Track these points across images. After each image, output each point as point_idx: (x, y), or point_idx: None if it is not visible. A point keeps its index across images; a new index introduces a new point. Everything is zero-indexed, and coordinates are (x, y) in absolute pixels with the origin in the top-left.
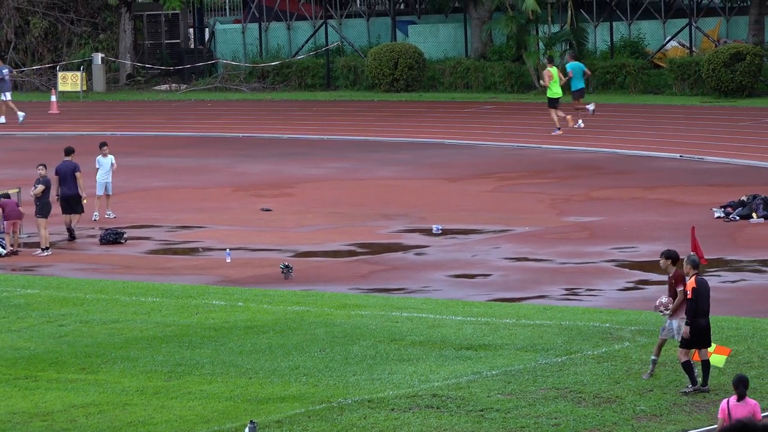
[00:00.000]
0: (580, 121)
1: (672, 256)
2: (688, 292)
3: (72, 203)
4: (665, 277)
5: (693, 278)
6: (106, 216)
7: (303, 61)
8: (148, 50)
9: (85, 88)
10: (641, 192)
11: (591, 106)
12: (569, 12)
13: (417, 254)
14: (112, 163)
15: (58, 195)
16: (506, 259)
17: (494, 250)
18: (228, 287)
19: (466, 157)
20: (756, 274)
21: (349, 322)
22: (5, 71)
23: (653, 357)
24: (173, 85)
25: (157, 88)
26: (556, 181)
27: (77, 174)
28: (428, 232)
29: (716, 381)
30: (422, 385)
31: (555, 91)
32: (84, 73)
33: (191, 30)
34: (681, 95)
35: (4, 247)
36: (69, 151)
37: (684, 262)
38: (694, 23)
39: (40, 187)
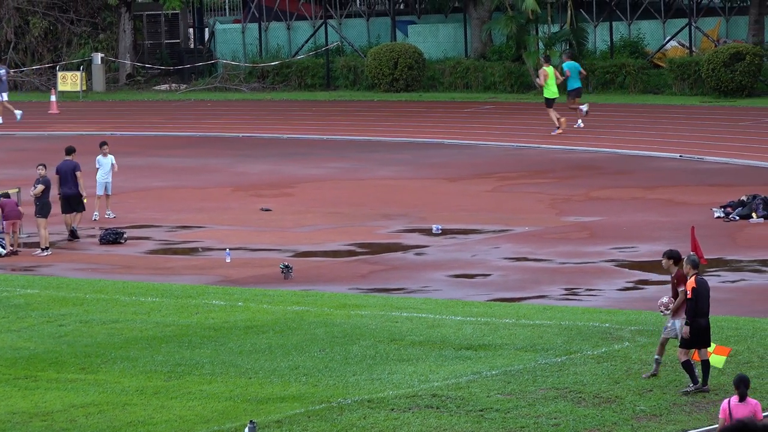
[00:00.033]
0: (579, 121)
1: (674, 256)
2: (688, 292)
3: (72, 202)
4: (665, 277)
5: (693, 278)
6: (106, 216)
7: (303, 61)
8: (147, 50)
9: (84, 88)
10: (641, 192)
11: (584, 107)
12: (569, 12)
13: (417, 254)
14: (112, 164)
15: (60, 194)
16: (506, 259)
17: (494, 250)
18: (228, 287)
19: (465, 157)
20: (756, 274)
21: (349, 322)
22: (2, 72)
23: (657, 357)
24: (173, 85)
25: (156, 88)
26: (555, 181)
27: (78, 173)
28: (428, 232)
29: (716, 381)
30: (422, 385)
31: (552, 90)
32: (84, 73)
33: (191, 30)
34: (681, 95)
35: (4, 247)
36: (70, 151)
37: (684, 262)
38: (693, 23)
39: (40, 187)
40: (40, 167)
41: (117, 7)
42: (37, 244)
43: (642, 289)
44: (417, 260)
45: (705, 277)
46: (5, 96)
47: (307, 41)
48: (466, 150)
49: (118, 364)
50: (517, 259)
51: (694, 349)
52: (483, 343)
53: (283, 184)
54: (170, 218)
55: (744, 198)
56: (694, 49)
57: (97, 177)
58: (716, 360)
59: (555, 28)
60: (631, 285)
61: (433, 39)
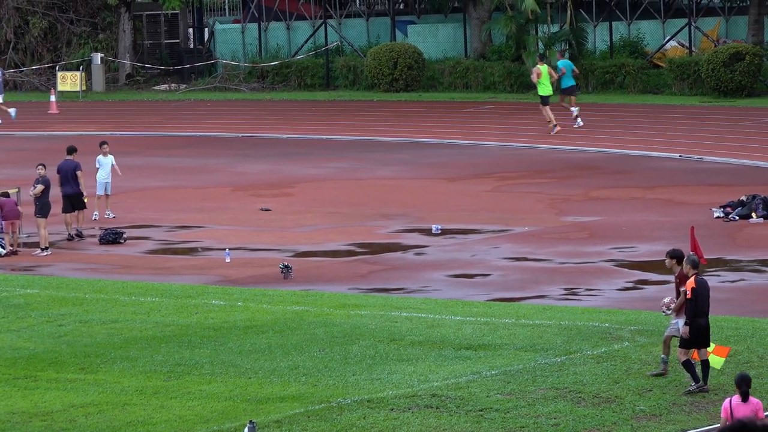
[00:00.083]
0: (579, 120)
1: (677, 256)
2: (688, 292)
3: (74, 202)
4: (665, 277)
5: (693, 278)
6: (106, 216)
7: (302, 61)
8: (147, 50)
9: (84, 87)
10: (641, 192)
11: (575, 110)
12: (568, 12)
13: (416, 254)
14: (113, 164)
15: (61, 193)
16: (505, 258)
17: (493, 250)
18: (227, 287)
19: (465, 157)
20: (755, 273)
21: (349, 321)
22: None
23: (663, 356)
24: (173, 85)
25: (156, 88)
26: (555, 181)
27: (78, 173)
28: (427, 231)
29: (716, 381)
30: (421, 385)
31: (547, 88)
32: (83, 73)
33: (191, 30)
34: (680, 95)
35: (3, 247)
36: (71, 150)
37: (684, 262)
38: (693, 23)
39: (40, 187)
40: (40, 167)
41: (117, 7)
42: (36, 244)
43: (641, 289)
44: (416, 260)
45: (705, 277)
46: (0, 98)
47: (306, 41)
48: (465, 150)
49: (117, 364)
50: (517, 259)
51: (693, 349)
52: (483, 343)
53: (282, 184)
54: (170, 218)
55: (743, 198)
56: (693, 49)
57: (97, 177)
58: (714, 361)
59: (555, 28)
60: (630, 285)
61: (432, 39)
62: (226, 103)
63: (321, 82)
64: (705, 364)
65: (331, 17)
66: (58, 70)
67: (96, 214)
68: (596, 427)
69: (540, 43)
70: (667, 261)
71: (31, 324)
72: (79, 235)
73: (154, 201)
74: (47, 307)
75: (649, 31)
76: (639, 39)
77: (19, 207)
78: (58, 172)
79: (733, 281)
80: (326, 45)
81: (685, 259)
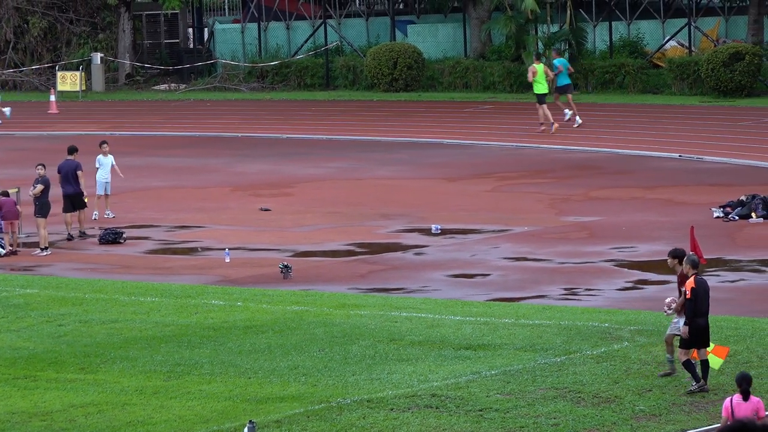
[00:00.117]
0: (577, 118)
1: (679, 255)
2: (687, 292)
3: (74, 202)
4: (665, 277)
5: (692, 278)
6: (105, 216)
7: (302, 61)
8: (147, 50)
9: (84, 87)
10: (640, 192)
11: (568, 113)
12: (568, 12)
13: (416, 254)
14: (113, 164)
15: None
16: (505, 258)
17: (493, 250)
18: (227, 287)
19: (465, 156)
20: (755, 273)
21: (348, 321)
22: None
23: (668, 356)
24: (172, 84)
25: (156, 87)
26: (555, 181)
27: (79, 173)
28: (427, 231)
29: (715, 381)
30: (421, 384)
31: (542, 87)
32: (83, 73)
33: (190, 30)
34: (680, 95)
35: (3, 247)
36: (72, 150)
37: (683, 262)
38: (693, 23)
39: (39, 187)
40: (39, 167)
41: (116, 6)
42: (36, 244)
43: (641, 289)
44: (416, 260)
45: (705, 277)
46: None
47: (306, 41)
48: (465, 150)
49: (117, 363)
50: (517, 259)
51: (693, 349)
52: (482, 342)
53: (282, 183)
54: (169, 218)
55: (743, 198)
56: (693, 48)
57: (97, 177)
58: (713, 361)
59: (554, 28)
60: (630, 285)
61: (432, 39)
62: (226, 103)
63: (321, 82)
64: (705, 364)
65: (330, 17)
66: (58, 70)
67: (96, 214)
68: (596, 427)
69: (540, 43)
70: (669, 260)
71: (31, 324)
72: (84, 235)
73: (153, 201)
74: (47, 307)
75: (648, 31)
76: (639, 39)
77: (18, 207)
78: (59, 171)
79: (732, 281)
80: (326, 45)
81: (684, 258)
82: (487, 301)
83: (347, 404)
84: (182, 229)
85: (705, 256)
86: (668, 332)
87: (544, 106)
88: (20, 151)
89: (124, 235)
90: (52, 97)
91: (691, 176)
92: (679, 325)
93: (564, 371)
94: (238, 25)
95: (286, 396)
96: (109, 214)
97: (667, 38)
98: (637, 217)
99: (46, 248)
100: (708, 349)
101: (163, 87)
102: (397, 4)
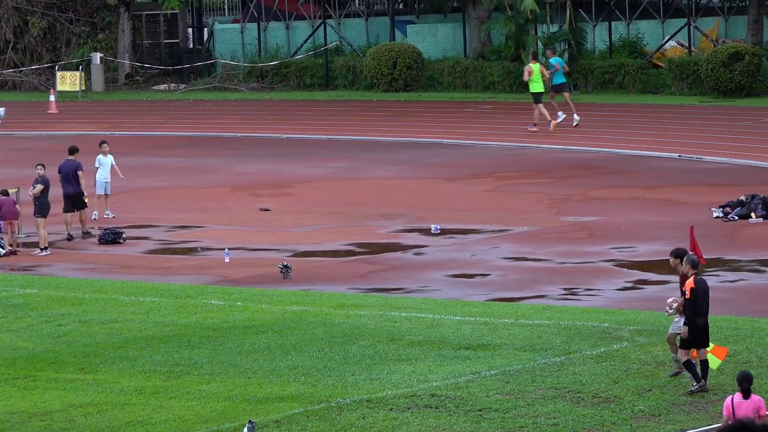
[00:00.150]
0: (575, 116)
1: (681, 255)
2: (687, 293)
3: (75, 202)
4: (664, 277)
5: (692, 278)
6: (105, 216)
7: (302, 61)
8: (146, 50)
9: (83, 87)
10: (640, 192)
11: (561, 116)
12: (568, 12)
13: (416, 254)
14: (112, 165)
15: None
16: (505, 258)
17: (493, 250)
18: (227, 287)
19: (464, 156)
20: (755, 273)
21: (348, 321)
22: None
23: (674, 356)
24: (172, 84)
25: (155, 87)
26: (554, 181)
27: (80, 173)
28: (427, 231)
29: (715, 381)
30: (421, 384)
31: (538, 86)
32: (83, 73)
33: (190, 30)
34: (680, 95)
35: (3, 247)
36: (73, 150)
37: (683, 262)
38: (692, 23)
39: (39, 187)
40: (39, 167)
41: (116, 6)
42: (36, 244)
43: (641, 288)
44: (416, 260)
45: (704, 277)
46: None
47: (306, 41)
48: (464, 150)
49: (117, 363)
50: (516, 259)
51: (693, 349)
52: (482, 342)
53: (282, 183)
54: (169, 218)
55: (743, 198)
56: (693, 48)
57: (97, 176)
58: (711, 361)
59: (554, 28)
60: (630, 285)
61: (432, 39)
62: (226, 103)
63: (320, 82)
64: (704, 363)
65: (330, 17)
66: (58, 70)
67: (95, 214)
68: (595, 427)
69: (539, 43)
70: (672, 260)
71: (31, 324)
72: (87, 234)
73: (153, 201)
74: (46, 306)
75: (648, 31)
76: (638, 39)
77: (17, 206)
78: (60, 172)
79: (732, 281)
80: (325, 45)
81: (684, 258)
82: (486, 301)
83: (347, 404)
84: (182, 229)
85: (705, 256)
86: (670, 332)
87: (540, 105)
88: (20, 151)
89: (124, 235)
90: (52, 97)
91: (691, 176)
92: (680, 324)
93: (563, 371)
94: (237, 25)
95: (286, 396)
96: (108, 214)
97: (667, 38)
98: (636, 217)
99: (45, 248)
100: (707, 349)
101: (162, 87)
102: (396, 4)
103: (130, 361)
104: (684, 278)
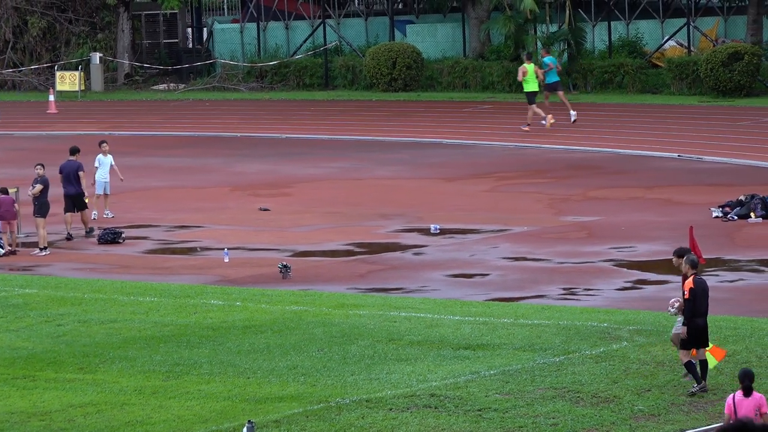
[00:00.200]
0: (572, 112)
1: (683, 254)
2: (685, 293)
3: (75, 202)
4: (664, 277)
5: (691, 278)
6: (104, 216)
7: (301, 61)
8: (146, 50)
9: (83, 87)
10: (639, 192)
11: (549, 119)
12: (567, 11)
13: (415, 254)
14: (112, 164)
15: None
16: (504, 258)
17: (492, 250)
18: (226, 287)
19: (463, 156)
20: (754, 273)
21: (347, 321)
22: None
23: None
24: (171, 84)
25: (155, 87)
26: (554, 181)
27: (81, 173)
28: (426, 231)
29: (714, 381)
30: (420, 384)
31: (532, 86)
32: (82, 73)
33: (189, 29)
34: (679, 95)
35: (2, 247)
36: (74, 151)
37: (683, 262)
38: (692, 23)
39: (38, 187)
40: (38, 167)
41: (115, 6)
42: (35, 244)
43: (640, 288)
44: (415, 260)
45: (704, 277)
46: None
47: (305, 41)
48: (464, 150)
49: (116, 363)
50: (516, 259)
51: (693, 348)
52: (481, 342)
53: (281, 183)
54: (168, 218)
55: (742, 198)
56: (692, 48)
57: (97, 176)
58: (709, 359)
59: (553, 28)
60: (629, 285)
61: (431, 39)
62: (225, 103)
63: (320, 82)
64: (703, 363)
65: (329, 17)
66: (57, 70)
67: (95, 214)
68: (595, 427)
69: (539, 43)
70: (675, 260)
71: (30, 324)
72: (91, 231)
73: (152, 201)
74: (46, 306)
75: (647, 31)
76: (638, 39)
77: (16, 206)
78: (61, 172)
79: (731, 281)
80: (325, 45)
81: (684, 258)
82: (486, 301)
83: (346, 404)
84: (181, 229)
85: (704, 256)
86: (673, 332)
87: (534, 105)
88: (19, 151)
89: (123, 235)
90: (51, 97)
91: (690, 176)
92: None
93: (563, 371)
94: (237, 25)
95: (285, 396)
96: (108, 214)
97: (666, 38)
98: (636, 217)
99: (45, 248)
100: (707, 348)
101: (162, 87)
102: (396, 4)
103: (129, 361)
104: (685, 278)
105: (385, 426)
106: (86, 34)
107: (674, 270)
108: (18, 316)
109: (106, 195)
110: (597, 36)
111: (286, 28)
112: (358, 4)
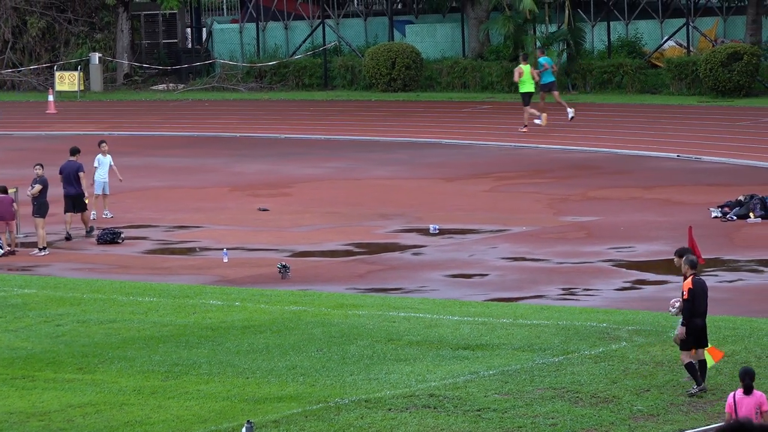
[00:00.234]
0: (569, 109)
1: (683, 254)
2: (684, 293)
3: (76, 203)
4: (663, 277)
5: (690, 279)
6: (104, 216)
7: (300, 61)
8: (145, 50)
9: (82, 87)
10: (639, 192)
11: (543, 118)
12: (566, 12)
13: (414, 254)
14: (111, 165)
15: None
16: (503, 258)
17: (491, 250)
18: (225, 287)
19: (463, 156)
20: (753, 273)
21: (347, 321)
22: None
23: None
24: (170, 84)
25: (154, 87)
26: (553, 181)
27: (81, 174)
28: (425, 231)
29: (713, 381)
30: (419, 384)
31: (528, 87)
32: (81, 73)
33: (188, 30)
34: (678, 95)
35: (1, 247)
36: (74, 151)
37: (682, 263)
38: (691, 23)
39: (38, 187)
40: (38, 167)
41: (114, 6)
42: (34, 244)
43: (639, 289)
44: (414, 260)
45: (703, 277)
46: None
47: (304, 41)
48: (463, 150)
49: (115, 363)
50: (515, 259)
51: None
52: (480, 342)
53: (280, 183)
54: (167, 218)
55: (741, 198)
56: (691, 48)
57: (96, 176)
58: (707, 358)
59: (552, 28)
60: (628, 285)
61: (430, 39)
62: (224, 103)
63: (319, 82)
64: (702, 363)
65: (329, 17)
66: (56, 70)
67: (94, 214)
68: (594, 427)
69: (538, 43)
70: (676, 260)
71: (29, 324)
72: (91, 230)
73: (152, 201)
74: (45, 307)
75: (647, 31)
76: (637, 39)
77: (15, 206)
78: (61, 172)
79: (730, 281)
80: (324, 45)
81: (683, 259)
82: (485, 301)
83: (345, 404)
84: (180, 229)
85: (703, 256)
86: (676, 333)
87: (528, 106)
88: (18, 151)
89: (122, 235)
90: (51, 97)
91: (690, 176)
92: None
93: (562, 371)
94: (236, 25)
95: (284, 396)
96: (107, 214)
97: (666, 38)
98: (635, 217)
99: (44, 248)
100: (706, 348)
101: (161, 87)
102: (395, 4)
103: (128, 361)
104: (686, 278)
105: (384, 426)
106: (85, 34)
107: (673, 270)
108: (17, 316)
109: (105, 195)
110: (596, 36)
111: (286, 28)
112: (358, 5)
